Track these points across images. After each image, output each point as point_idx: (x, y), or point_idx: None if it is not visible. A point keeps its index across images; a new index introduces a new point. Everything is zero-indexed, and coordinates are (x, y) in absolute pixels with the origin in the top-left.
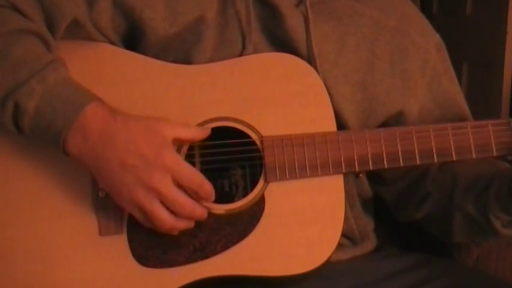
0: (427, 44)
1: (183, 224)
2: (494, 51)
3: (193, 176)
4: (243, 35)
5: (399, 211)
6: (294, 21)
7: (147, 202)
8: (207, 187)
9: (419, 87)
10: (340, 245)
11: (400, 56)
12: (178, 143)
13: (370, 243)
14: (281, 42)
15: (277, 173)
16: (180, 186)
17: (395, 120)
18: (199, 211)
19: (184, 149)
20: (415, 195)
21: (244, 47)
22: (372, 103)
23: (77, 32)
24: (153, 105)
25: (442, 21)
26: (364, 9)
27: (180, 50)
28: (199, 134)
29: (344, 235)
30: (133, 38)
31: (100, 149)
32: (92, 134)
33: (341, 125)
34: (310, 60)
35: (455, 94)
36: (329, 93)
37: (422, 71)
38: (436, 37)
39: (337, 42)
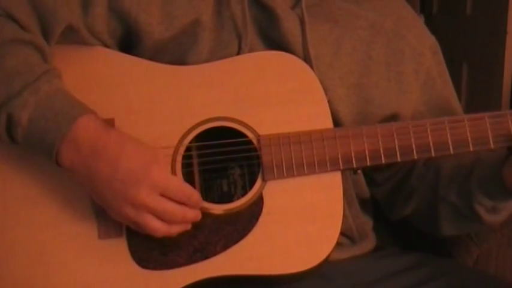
0: (423, 46)
1: (177, 229)
2: (494, 51)
3: (181, 190)
4: (239, 37)
5: (389, 209)
6: (290, 24)
7: (137, 216)
8: (195, 198)
9: (414, 90)
10: (339, 244)
11: (395, 58)
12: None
13: (369, 243)
14: (277, 45)
15: (275, 172)
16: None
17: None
18: (190, 215)
19: (182, 150)
20: (402, 192)
21: (240, 49)
22: (367, 105)
23: (71, 37)
24: (149, 107)
25: (442, 21)
26: (360, 12)
27: (175, 53)
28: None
29: (343, 234)
30: (129, 42)
31: (91, 162)
32: (84, 147)
33: (337, 126)
34: (307, 62)
35: (450, 97)
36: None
37: (416, 74)
38: (432, 39)
39: (333, 44)
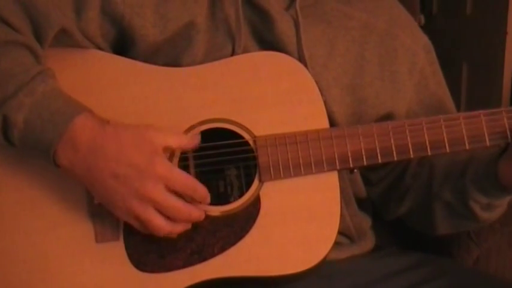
0: (416, 45)
1: (180, 228)
2: (494, 51)
3: (186, 181)
4: (232, 39)
5: (384, 209)
6: (284, 25)
7: (141, 211)
8: (201, 191)
9: (407, 89)
10: (338, 244)
11: (389, 58)
12: (169, 151)
13: (368, 242)
14: (271, 46)
15: (272, 173)
16: (174, 192)
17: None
18: (196, 213)
19: (178, 152)
20: (397, 191)
21: (233, 51)
22: (361, 106)
23: (65, 40)
24: (144, 109)
25: (442, 21)
26: (352, 12)
27: (170, 55)
28: (189, 141)
29: (341, 233)
30: (123, 45)
31: (91, 161)
32: (81, 146)
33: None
34: (301, 63)
35: (443, 97)
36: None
37: (410, 73)
38: (425, 39)
39: (326, 45)
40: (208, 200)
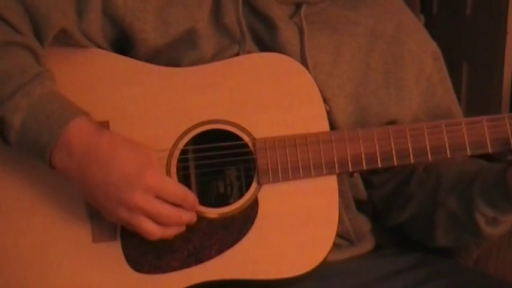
0: (424, 53)
1: (172, 231)
2: (494, 51)
3: (176, 191)
4: (236, 46)
5: (385, 215)
6: (288, 33)
7: (131, 219)
8: (190, 200)
9: (413, 96)
10: (337, 246)
11: (395, 65)
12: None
13: (368, 244)
14: None
15: (270, 175)
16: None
17: None
18: (186, 217)
19: (176, 153)
20: (400, 197)
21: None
22: (364, 115)
23: (66, 40)
24: (144, 109)
25: (442, 21)
26: (359, 19)
27: (172, 59)
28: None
29: (340, 236)
30: (125, 46)
31: (85, 165)
32: (76, 150)
33: None
34: None
35: (450, 104)
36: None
37: (417, 80)
38: (433, 46)
39: (332, 52)
40: (196, 207)
